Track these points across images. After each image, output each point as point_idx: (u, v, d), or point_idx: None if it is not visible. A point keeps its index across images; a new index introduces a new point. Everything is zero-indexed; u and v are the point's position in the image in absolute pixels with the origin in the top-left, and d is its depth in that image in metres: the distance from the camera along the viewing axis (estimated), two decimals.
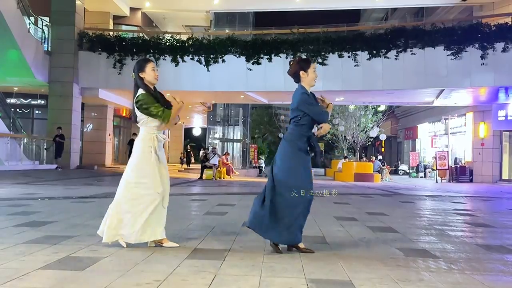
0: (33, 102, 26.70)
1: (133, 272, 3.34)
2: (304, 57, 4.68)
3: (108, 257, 3.76)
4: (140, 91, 4.31)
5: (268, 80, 20.28)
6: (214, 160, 20.01)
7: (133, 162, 4.29)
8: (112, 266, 3.51)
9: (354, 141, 37.11)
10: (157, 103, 4.24)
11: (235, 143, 31.94)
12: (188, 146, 36.89)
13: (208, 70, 20.31)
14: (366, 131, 36.38)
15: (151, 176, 4.21)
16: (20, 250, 3.90)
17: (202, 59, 20.20)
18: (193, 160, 35.25)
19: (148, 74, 4.34)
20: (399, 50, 19.36)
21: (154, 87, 4.43)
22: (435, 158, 24.68)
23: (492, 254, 4.42)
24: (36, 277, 3.14)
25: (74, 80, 20.90)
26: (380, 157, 31.04)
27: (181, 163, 33.76)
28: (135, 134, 19.45)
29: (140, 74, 4.35)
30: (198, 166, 22.74)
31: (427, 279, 3.38)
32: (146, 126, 4.30)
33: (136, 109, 4.29)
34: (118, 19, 27.31)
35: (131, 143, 18.76)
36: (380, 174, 25.01)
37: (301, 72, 4.30)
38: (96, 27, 22.70)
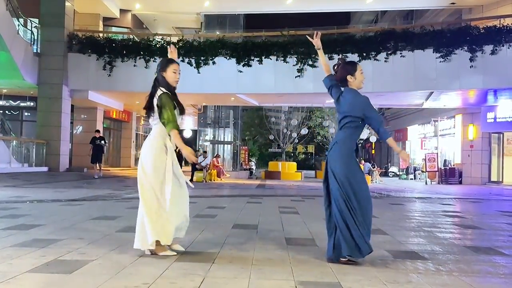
0: (22, 104, 26.46)
1: (122, 275, 3.33)
2: (348, 59, 4.46)
3: (96, 260, 3.74)
4: (162, 90, 4.19)
5: (259, 82, 20.28)
6: (205, 162, 19.96)
7: (149, 163, 4.10)
8: (100, 269, 3.48)
9: None
10: (174, 109, 4.12)
11: (225, 145, 31.89)
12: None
13: (199, 72, 20.24)
14: None
15: (162, 176, 4.09)
16: (7, 254, 3.87)
17: (193, 61, 20.11)
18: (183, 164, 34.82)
19: (169, 76, 4.28)
20: (389, 52, 19.43)
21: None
22: (425, 160, 24.80)
23: (480, 256, 4.45)
24: (24, 281, 3.11)
25: (64, 82, 20.74)
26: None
27: None
28: (97, 131, 18.98)
29: (162, 73, 4.28)
30: (189, 168, 22.61)
31: (415, 280, 3.40)
32: (159, 124, 4.17)
33: (156, 107, 4.18)
34: (108, 21, 27.21)
35: (93, 141, 17.89)
36: (370, 176, 25.09)
37: (348, 77, 4.18)
38: (86, 28, 22.59)
